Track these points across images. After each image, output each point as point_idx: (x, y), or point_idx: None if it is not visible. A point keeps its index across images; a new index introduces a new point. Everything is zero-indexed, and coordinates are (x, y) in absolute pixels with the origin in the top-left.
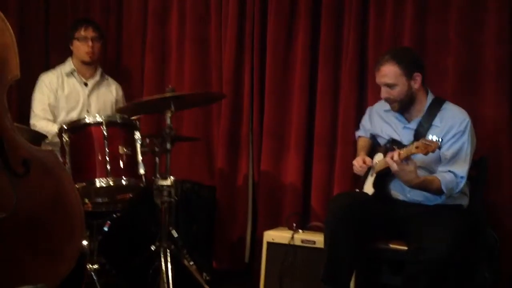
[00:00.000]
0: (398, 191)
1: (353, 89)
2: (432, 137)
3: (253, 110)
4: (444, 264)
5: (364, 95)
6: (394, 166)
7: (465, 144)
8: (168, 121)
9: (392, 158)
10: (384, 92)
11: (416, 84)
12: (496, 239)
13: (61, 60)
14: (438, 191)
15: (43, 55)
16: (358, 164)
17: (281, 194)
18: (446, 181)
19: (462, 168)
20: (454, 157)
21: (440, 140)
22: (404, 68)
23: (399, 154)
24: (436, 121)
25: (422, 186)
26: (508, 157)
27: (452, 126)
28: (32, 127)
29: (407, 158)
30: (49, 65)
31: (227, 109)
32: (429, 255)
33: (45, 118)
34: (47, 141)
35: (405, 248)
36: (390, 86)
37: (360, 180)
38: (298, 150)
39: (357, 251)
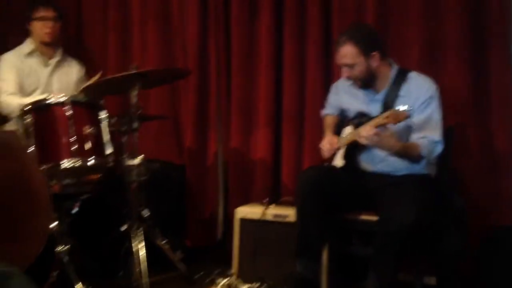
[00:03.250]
0: (368, 163)
1: (319, 63)
2: (402, 106)
3: (220, 86)
4: (412, 233)
5: (331, 69)
6: (374, 138)
7: (434, 110)
8: (134, 99)
9: (365, 132)
10: (345, 71)
11: (375, 62)
12: (463, 205)
13: (19, 41)
14: (418, 157)
15: (1, 37)
16: (325, 147)
17: (251, 171)
18: (425, 146)
19: (436, 133)
20: (425, 124)
21: (410, 108)
22: (362, 48)
23: (371, 126)
24: (403, 91)
25: (403, 151)
26: (472, 126)
27: (419, 94)
28: (0, 104)
29: (384, 127)
30: (7, 47)
31: (194, 86)
32: (398, 225)
33: (13, 93)
34: (10, 123)
35: (375, 219)
36: (349, 66)
37: None
38: (267, 126)
39: (328, 223)
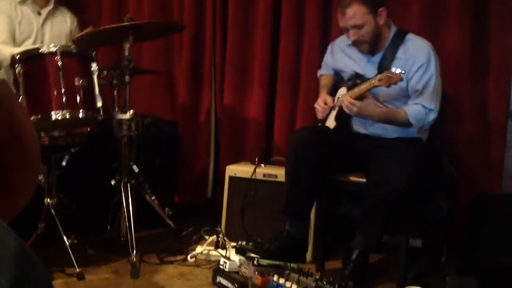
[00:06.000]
0: (359, 125)
1: (318, 23)
2: (395, 69)
3: (215, 43)
4: (401, 196)
5: (329, 29)
6: (353, 109)
7: (432, 76)
8: (127, 52)
9: (345, 103)
10: (353, 34)
11: (382, 19)
12: (453, 171)
13: None
14: (406, 123)
15: None
16: (319, 106)
17: (244, 129)
18: (414, 112)
19: (430, 100)
20: (421, 90)
21: (403, 72)
22: (370, 6)
23: (350, 96)
24: (400, 53)
25: (387, 117)
26: (467, 93)
27: (416, 58)
28: None
29: (362, 96)
30: None
31: (189, 41)
32: (386, 188)
33: (4, 42)
34: (1, 71)
35: (364, 180)
36: (358, 27)
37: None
38: (261, 85)
39: (318, 183)
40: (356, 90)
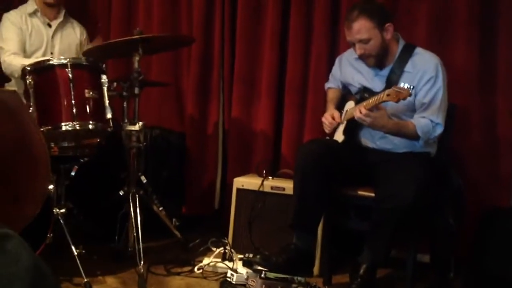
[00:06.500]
0: (368, 139)
1: (326, 36)
2: (404, 84)
3: (223, 55)
4: (409, 210)
5: (337, 42)
6: (367, 119)
7: (440, 90)
8: (136, 65)
9: (359, 113)
10: (359, 48)
11: (389, 34)
12: (461, 185)
13: (23, 1)
14: (414, 136)
15: None
16: (327, 121)
17: (251, 141)
18: (421, 125)
19: (437, 114)
20: (428, 104)
21: (412, 87)
22: (376, 21)
23: (364, 107)
24: (408, 67)
25: (397, 129)
26: (475, 105)
27: (425, 71)
28: (2, 64)
29: (377, 107)
30: (11, 6)
31: (197, 54)
32: (395, 203)
33: (16, 53)
34: (10, 83)
35: (373, 195)
36: (364, 41)
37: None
38: (269, 97)
39: (326, 197)
40: (365, 104)
